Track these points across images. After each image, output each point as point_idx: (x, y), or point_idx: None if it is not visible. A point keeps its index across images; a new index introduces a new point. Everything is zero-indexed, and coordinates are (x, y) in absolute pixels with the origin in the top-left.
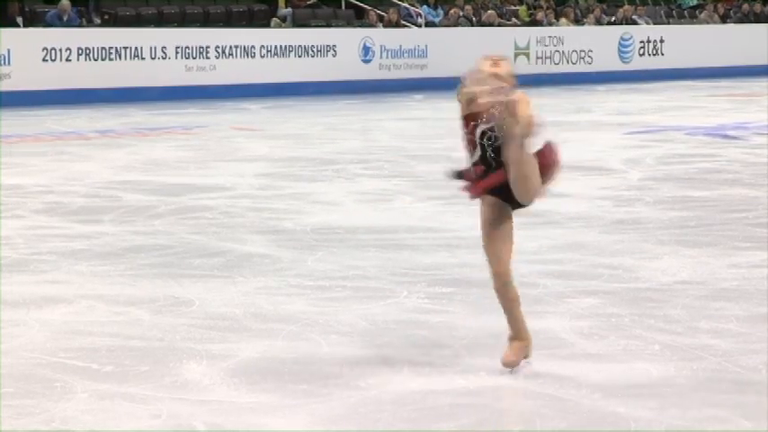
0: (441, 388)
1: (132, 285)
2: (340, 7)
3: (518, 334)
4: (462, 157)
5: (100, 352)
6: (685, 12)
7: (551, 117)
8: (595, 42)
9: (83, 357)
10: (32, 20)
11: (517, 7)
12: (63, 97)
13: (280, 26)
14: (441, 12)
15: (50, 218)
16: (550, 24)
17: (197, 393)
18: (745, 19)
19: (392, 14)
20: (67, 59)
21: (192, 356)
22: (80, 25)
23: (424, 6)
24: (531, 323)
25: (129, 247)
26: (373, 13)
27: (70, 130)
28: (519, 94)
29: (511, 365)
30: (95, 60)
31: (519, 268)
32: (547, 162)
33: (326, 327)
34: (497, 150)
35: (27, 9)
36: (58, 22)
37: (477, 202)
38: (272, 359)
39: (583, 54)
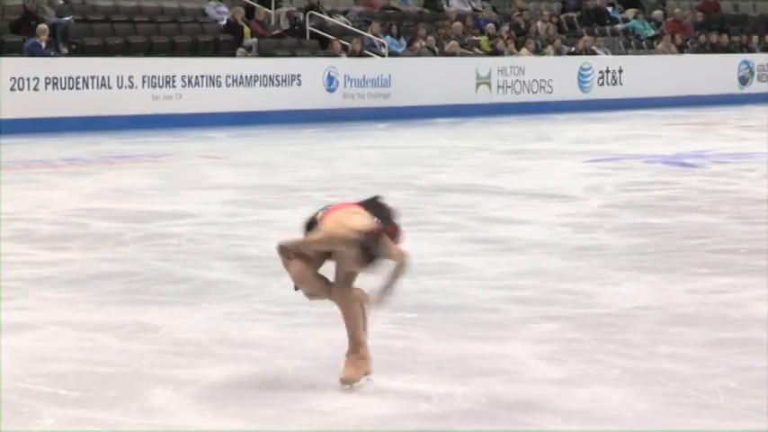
0: (404, 412)
1: (99, 312)
2: (305, 37)
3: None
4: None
5: (67, 378)
6: (643, 42)
7: (512, 145)
8: (555, 72)
9: (50, 383)
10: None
11: (479, 38)
12: (31, 126)
13: (245, 56)
14: (404, 42)
15: (18, 245)
16: (511, 54)
17: (164, 419)
18: (702, 49)
19: (356, 44)
20: (35, 89)
21: (158, 382)
22: (48, 55)
23: (388, 36)
24: (494, 348)
25: (97, 274)
26: (337, 43)
27: (38, 158)
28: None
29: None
30: (63, 89)
31: (480, 294)
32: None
33: (292, 352)
34: None
35: None
36: (39, 49)
37: (437, 230)
38: (237, 384)
39: (543, 83)
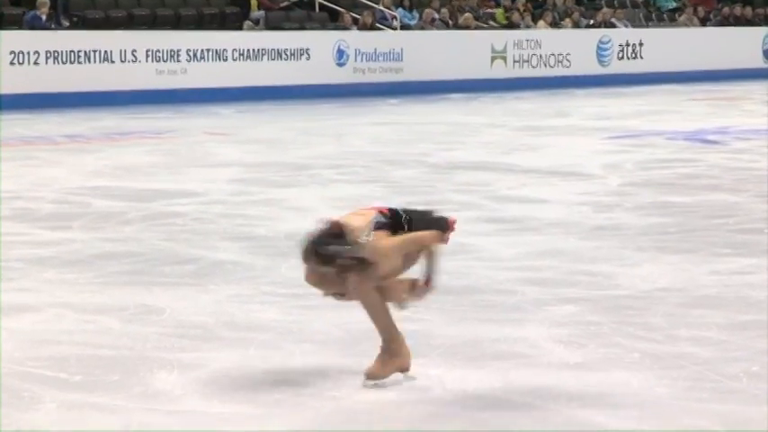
0: (417, 398)
1: (102, 293)
2: (314, 10)
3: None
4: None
5: (69, 361)
6: (664, 15)
7: (528, 122)
8: (573, 46)
9: (51, 367)
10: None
11: (494, 10)
12: (31, 101)
13: (252, 29)
14: (416, 14)
15: (18, 224)
16: (528, 27)
17: (168, 404)
18: (726, 22)
19: (367, 17)
20: (35, 63)
21: (162, 366)
22: (48, 28)
23: (400, 9)
24: (509, 331)
25: (99, 254)
26: (348, 16)
27: (39, 134)
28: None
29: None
30: (64, 64)
31: (495, 275)
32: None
33: (300, 335)
34: None
35: None
36: (40, 22)
37: (450, 209)
38: (244, 369)
39: (561, 57)
